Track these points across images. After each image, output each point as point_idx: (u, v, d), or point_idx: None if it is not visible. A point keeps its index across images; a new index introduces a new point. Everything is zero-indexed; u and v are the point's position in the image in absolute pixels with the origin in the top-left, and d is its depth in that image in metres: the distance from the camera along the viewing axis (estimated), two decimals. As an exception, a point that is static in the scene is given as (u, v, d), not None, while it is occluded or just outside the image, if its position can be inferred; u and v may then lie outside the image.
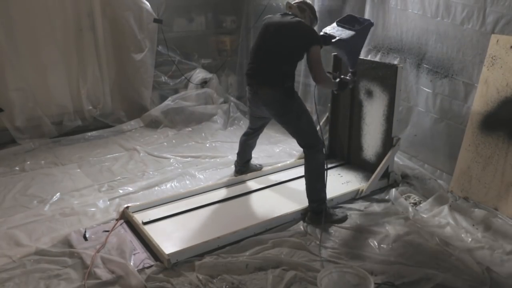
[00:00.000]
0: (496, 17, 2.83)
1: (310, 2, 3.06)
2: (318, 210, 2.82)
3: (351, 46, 3.00)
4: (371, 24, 3.04)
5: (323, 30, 3.09)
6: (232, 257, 2.44)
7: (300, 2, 3.00)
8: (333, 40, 2.96)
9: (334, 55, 3.50)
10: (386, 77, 3.14)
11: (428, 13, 3.25)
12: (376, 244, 2.59)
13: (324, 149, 2.88)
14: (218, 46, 5.32)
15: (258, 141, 3.49)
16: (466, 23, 3.00)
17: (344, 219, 2.84)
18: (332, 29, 3.06)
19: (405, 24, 3.45)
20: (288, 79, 2.82)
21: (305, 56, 2.84)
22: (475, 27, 2.95)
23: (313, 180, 2.85)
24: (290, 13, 2.93)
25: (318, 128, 3.38)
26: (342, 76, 3.11)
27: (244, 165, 3.49)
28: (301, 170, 3.46)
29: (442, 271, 2.32)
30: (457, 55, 3.11)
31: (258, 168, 3.54)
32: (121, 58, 4.60)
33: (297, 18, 2.88)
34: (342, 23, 3.07)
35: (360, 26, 3.02)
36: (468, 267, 2.37)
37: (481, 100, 2.95)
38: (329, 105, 3.68)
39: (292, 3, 3.00)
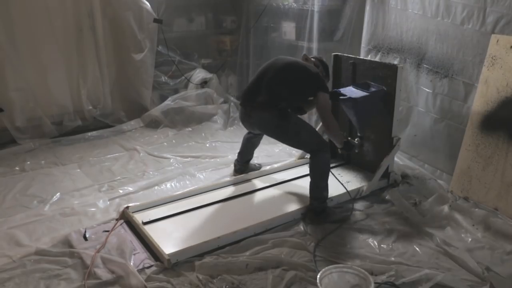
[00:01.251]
0: (496, 17, 2.83)
1: (326, 62, 3.19)
2: (319, 209, 2.83)
3: (361, 108, 3.01)
4: (383, 90, 3.06)
5: (337, 89, 3.15)
6: (232, 257, 2.44)
7: (316, 58, 3.14)
8: (341, 97, 3.02)
9: (334, 55, 3.50)
10: (386, 77, 3.14)
11: (428, 13, 3.25)
12: (376, 244, 2.59)
13: (329, 149, 2.92)
14: (218, 46, 5.32)
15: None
16: (466, 23, 3.00)
17: (344, 219, 2.84)
18: (346, 89, 3.12)
19: (405, 24, 3.45)
20: (283, 103, 2.85)
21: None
22: (475, 27, 2.95)
23: (317, 178, 2.87)
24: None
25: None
26: (349, 138, 3.23)
27: (244, 165, 3.49)
28: (301, 170, 3.49)
29: (442, 271, 2.32)
30: (457, 55, 3.11)
31: (257, 167, 3.55)
32: (121, 58, 4.60)
33: (309, 65, 2.98)
34: (357, 86, 3.12)
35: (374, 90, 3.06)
36: (468, 267, 2.37)
37: (481, 100, 2.95)
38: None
39: (310, 57, 3.12)
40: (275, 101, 2.85)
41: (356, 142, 3.20)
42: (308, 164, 2.93)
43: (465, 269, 2.36)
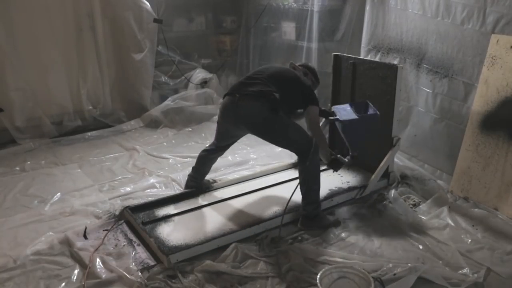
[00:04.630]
0: (496, 17, 2.83)
1: (313, 66, 3.11)
2: (312, 214, 2.76)
3: (349, 130, 2.95)
4: (376, 115, 2.94)
5: (333, 106, 3.12)
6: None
7: (303, 65, 3.08)
8: (330, 117, 3.01)
9: (334, 55, 3.50)
10: (386, 77, 3.14)
11: (428, 13, 3.25)
12: (371, 244, 2.59)
13: (318, 150, 2.78)
14: (218, 46, 5.33)
15: (259, 140, 3.46)
16: (466, 23, 3.00)
17: (336, 223, 2.79)
18: (341, 108, 3.07)
19: (405, 24, 3.45)
20: (275, 95, 2.69)
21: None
22: (475, 27, 2.96)
23: (310, 181, 2.75)
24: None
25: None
26: (339, 156, 2.97)
27: (199, 182, 3.19)
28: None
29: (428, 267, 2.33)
30: (457, 55, 3.11)
31: (212, 182, 3.29)
32: (121, 58, 4.61)
33: (301, 75, 2.96)
34: (355, 106, 3.05)
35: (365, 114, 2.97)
36: (456, 269, 2.35)
37: (481, 100, 2.95)
38: (329, 105, 3.68)
39: (297, 64, 3.06)
40: (269, 92, 2.69)
41: (346, 160, 2.97)
42: (298, 168, 2.80)
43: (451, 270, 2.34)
